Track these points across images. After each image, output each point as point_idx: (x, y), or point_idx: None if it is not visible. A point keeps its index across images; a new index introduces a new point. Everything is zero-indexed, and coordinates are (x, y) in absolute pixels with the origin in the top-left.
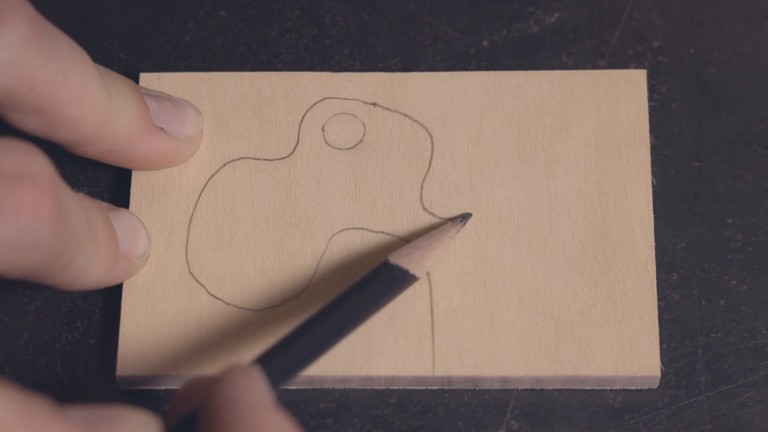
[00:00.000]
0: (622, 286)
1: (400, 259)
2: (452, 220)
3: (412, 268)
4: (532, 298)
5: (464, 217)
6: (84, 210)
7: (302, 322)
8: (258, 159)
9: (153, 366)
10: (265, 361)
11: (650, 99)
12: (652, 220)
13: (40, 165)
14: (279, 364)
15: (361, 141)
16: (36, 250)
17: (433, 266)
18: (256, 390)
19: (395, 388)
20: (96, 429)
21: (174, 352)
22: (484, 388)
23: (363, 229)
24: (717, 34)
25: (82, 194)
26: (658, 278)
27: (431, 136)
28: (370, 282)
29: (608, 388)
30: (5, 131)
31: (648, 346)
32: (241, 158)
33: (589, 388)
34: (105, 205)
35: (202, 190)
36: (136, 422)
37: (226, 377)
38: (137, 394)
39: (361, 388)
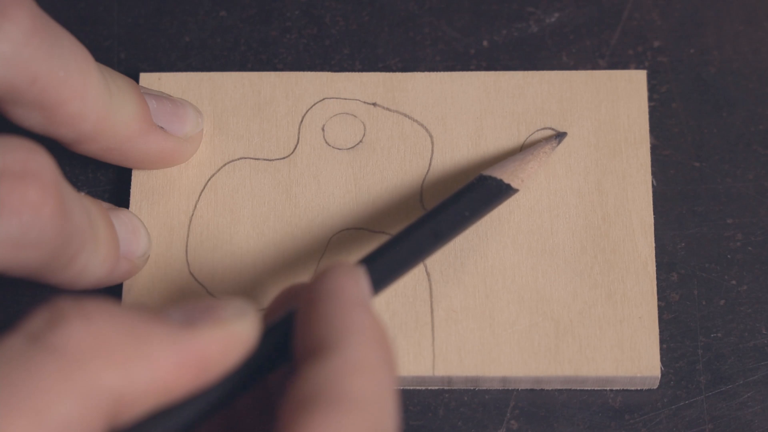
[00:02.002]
0: (622, 287)
1: (494, 171)
2: (547, 138)
3: (506, 178)
4: (532, 298)
5: (559, 136)
6: (85, 209)
7: (401, 230)
8: (258, 159)
9: None
10: (366, 263)
11: (650, 99)
12: (652, 221)
13: (43, 163)
14: (378, 267)
15: (361, 141)
16: (38, 247)
17: (529, 179)
18: (356, 287)
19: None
20: (195, 323)
21: None
22: (484, 388)
23: (363, 229)
24: (717, 34)
25: (83, 194)
26: (658, 278)
27: (431, 136)
28: (465, 193)
29: (608, 388)
30: (7, 129)
31: (648, 347)
32: (241, 158)
33: (589, 388)
34: (105, 205)
35: (202, 190)
36: (232, 309)
37: (329, 271)
38: None
39: None
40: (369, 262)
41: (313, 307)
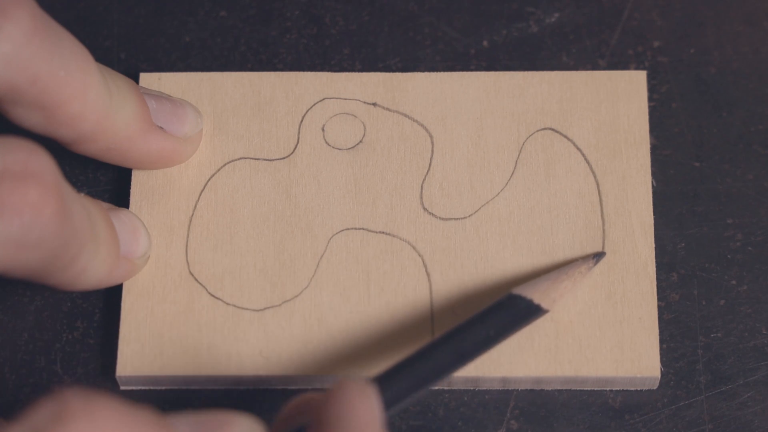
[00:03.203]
0: (622, 287)
1: (525, 290)
2: (584, 257)
3: (537, 298)
4: None
5: (597, 256)
6: (86, 210)
7: (422, 346)
8: (258, 159)
9: (153, 366)
10: (381, 381)
11: (650, 99)
12: (652, 222)
13: (44, 163)
14: (394, 386)
15: (361, 141)
16: (39, 248)
17: (561, 298)
18: (369, 409)
19: None
20: None
21: (174, 352)
22: (484, 388)
23: (363, 229)
24: (717, 34)
25: (83, 194)
26: (658, 278)
27: (431, 136)
28: (493, 312)
29: (608, 388)
30: (7, 129)
31: (648, 347)
32: (241, 158)
33: (588, 388)
34: (105, 205)
35: (202, 190)
36: (242, 428)
37: (340, 391)
38: (137, 394)
39: None
40: (387, 379)
41: (323, 430)
